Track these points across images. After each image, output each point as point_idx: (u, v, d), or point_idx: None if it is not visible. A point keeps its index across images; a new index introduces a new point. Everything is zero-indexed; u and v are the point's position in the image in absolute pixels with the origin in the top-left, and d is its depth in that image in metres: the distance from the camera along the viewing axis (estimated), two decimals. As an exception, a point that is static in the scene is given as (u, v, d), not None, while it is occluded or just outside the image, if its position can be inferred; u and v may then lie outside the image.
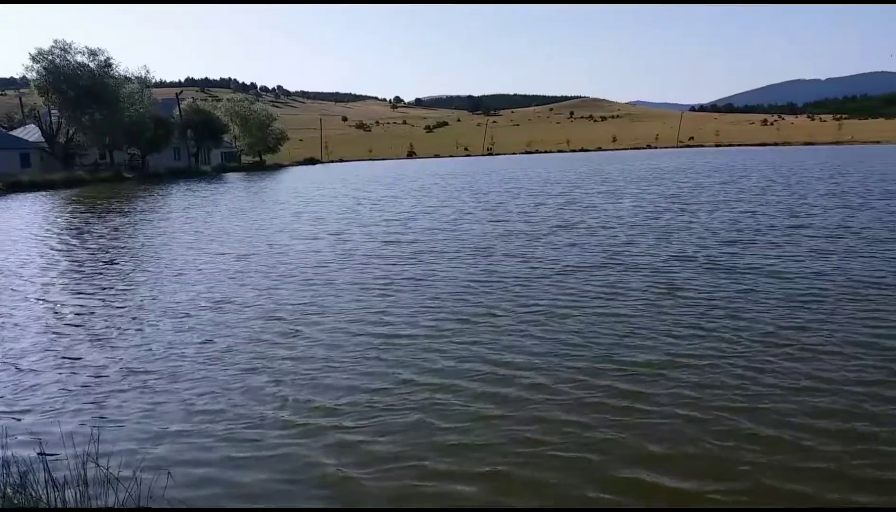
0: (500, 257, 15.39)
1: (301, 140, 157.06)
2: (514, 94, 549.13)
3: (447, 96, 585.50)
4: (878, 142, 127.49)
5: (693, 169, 52.85)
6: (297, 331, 9.81)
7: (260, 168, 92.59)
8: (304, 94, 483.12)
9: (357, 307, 11.14)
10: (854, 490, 5.08)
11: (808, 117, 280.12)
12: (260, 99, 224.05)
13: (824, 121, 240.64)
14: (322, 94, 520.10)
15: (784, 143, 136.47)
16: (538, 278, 12.90)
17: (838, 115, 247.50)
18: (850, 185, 31.87)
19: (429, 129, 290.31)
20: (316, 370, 8.07)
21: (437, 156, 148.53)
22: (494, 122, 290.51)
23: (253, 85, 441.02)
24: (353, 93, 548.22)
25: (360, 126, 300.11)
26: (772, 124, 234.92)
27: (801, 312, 9.81)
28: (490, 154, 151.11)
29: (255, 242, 19.55)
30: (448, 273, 13.74)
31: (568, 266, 13.98)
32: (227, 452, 6.03)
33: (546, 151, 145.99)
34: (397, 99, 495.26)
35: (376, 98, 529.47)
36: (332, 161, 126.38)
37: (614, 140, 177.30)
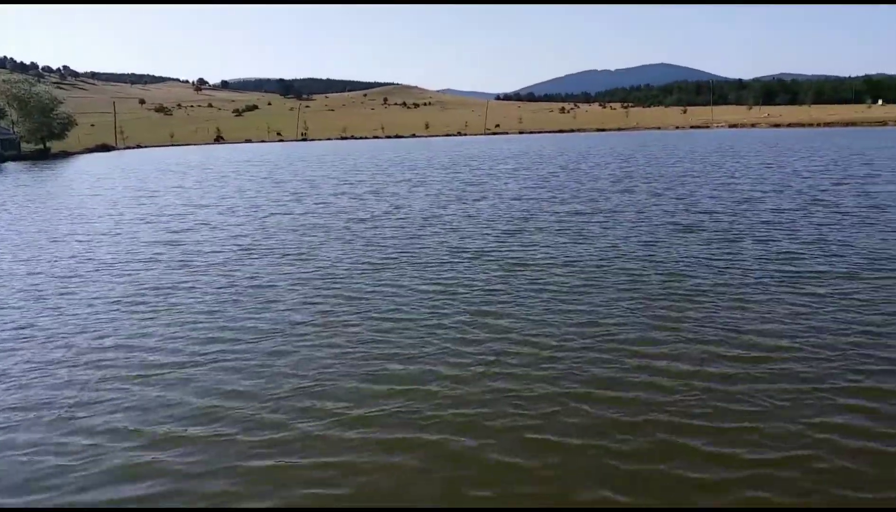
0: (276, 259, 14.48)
1: (93, 125, 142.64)
2: (328, 79, 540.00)
3: (256, 79, 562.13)
4: (658, 127, 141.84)
5: (493, 156, 54.93)
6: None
7: (44, 157, 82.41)
8: (94, 75, 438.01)
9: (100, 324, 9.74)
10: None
11: (601, 105, 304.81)
12: (42, 80, 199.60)
13: (614, 109, 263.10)
14: (116, 75, 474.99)
15: (580, 130, 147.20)
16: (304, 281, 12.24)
17: (626, 104, 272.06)
18: (631, 170, 34.64)
19: (238, 112, 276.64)
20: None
21: (248, 141, 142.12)
22: (308, 107, 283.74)
23: (34, 64, 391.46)
24: (151, 74, 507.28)
25: (161, 109, 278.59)
26: (569, 112, 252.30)
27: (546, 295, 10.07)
28: (304, 139, 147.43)
29: None
30: (193, 284, 12.61)
31: (358, 264, 13.45)
32: None
33: (362, 137, 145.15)
34: (202, 81, 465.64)
35: (178, 80, 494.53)
36: (129, 147, 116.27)
37: (427, 127, 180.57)
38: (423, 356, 8.14)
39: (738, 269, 11.97)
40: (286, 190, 30.07)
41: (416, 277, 12.11)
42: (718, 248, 13.78)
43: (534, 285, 11.25)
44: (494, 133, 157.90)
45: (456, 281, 11.78)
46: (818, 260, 12.47)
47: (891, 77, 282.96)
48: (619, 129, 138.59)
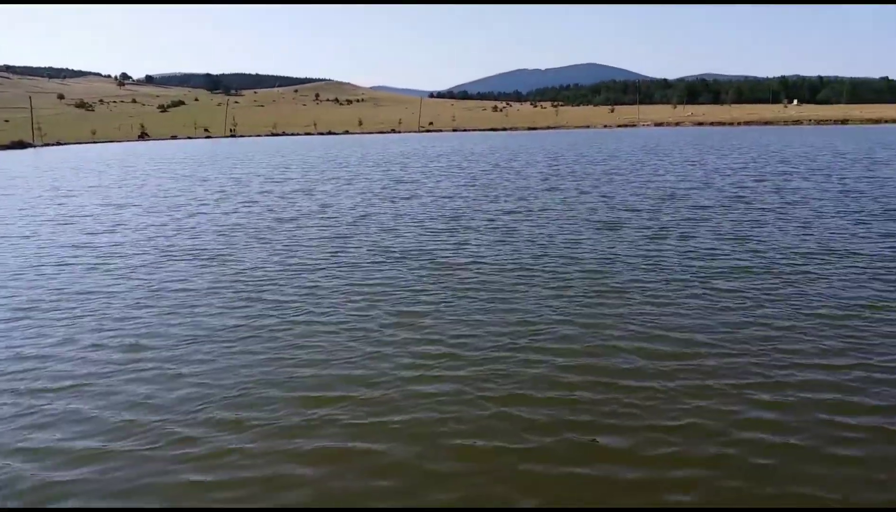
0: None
1: (7, 121, 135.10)
2: (257, 74, 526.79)
3: (182, 74, 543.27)
4: (587, 126, 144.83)
5: (426, 153, 54.87)
6: None
7: (-53, 154, 77.37)
8: (8, 69, 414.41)
9: (7, 334, 9.18)
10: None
11: (532, 104, 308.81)
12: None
13: (545, 107, 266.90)
14: (32, 68, 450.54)
15: (512, 128, 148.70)
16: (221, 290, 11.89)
17: (556, 103, 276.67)
18: (562, 169, 35.25)
19: (163, 108, 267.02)
20: None
21: (174, 137, 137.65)
22: (237, 102, 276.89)
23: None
24: (70, 68, 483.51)
25: (81, 105, 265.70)
26: (501, 110, 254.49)
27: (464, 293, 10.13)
28: (233, 136, 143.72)
29: None
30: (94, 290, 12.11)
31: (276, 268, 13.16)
32: None
33: (293, 134, 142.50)
34: (125, 75, 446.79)
35: (100, 74, 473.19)
36: (48, 144, 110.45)
37: (360, 124, 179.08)
38: (349, 362, 8.02)
39: (663, 266, 12.30)
40: (211, 188, 29.21)
41: (342, 279, 11.93)
42: (643, 246, 14.14)
43: (462, 285, 11.26)
44: (428, 130, 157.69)
45: (384, 282, 11.67)
46: (739, 256, 12.95)
47: (804, 78, 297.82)
48: (550, 128, 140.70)
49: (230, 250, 14.80)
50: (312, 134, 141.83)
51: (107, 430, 6.46)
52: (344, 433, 6.27)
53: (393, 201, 23.09)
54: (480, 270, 12.32)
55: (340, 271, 12.54)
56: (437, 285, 11.36)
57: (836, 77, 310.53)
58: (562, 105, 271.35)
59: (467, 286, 11.22)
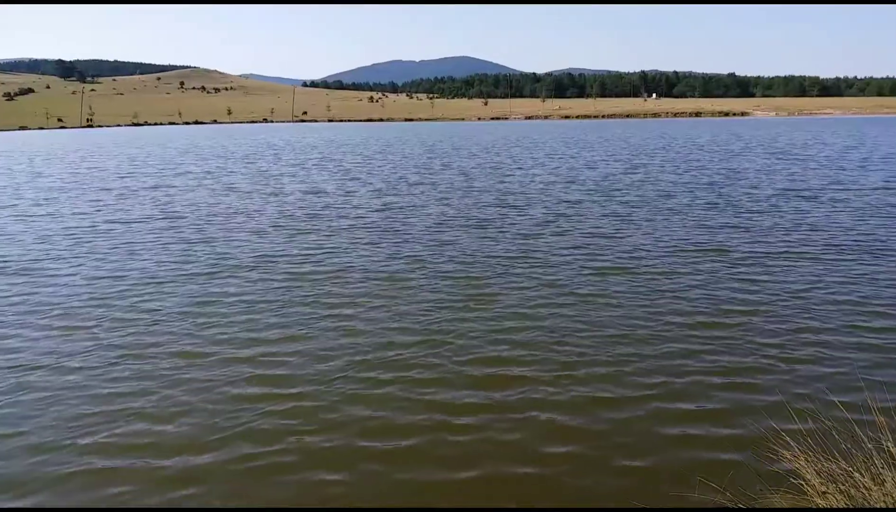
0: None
1: None
2: (116, 61, 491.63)
3: (31, 60, 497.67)
4: (462, 118, 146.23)
5: (299, 145, 52.54)
6: None
7: None
8: None
9: None
10: None
11: (408, 96, 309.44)
12: None
13: (420, 99, 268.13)
14: None
15: (389, 119, 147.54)
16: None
17: (431, 95, 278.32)
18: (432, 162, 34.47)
19: (9, 96, 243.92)
20: None
21: (23, 128, 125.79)
22: (93, 90, 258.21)
23: None
24: None
25: None
26: (377, 101, 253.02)
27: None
28: (90, 126, 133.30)
29: None
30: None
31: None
32: None
33: (156, 124, 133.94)
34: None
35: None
36: None
37: (229, 113, 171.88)
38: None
39: (534, 265, 11.54)
40: (42, 187, 25.94)
41: (174, 294, 10.13)
42: (511, 245, 13.36)
43: (311, 295, 9.89)
44: (303, 120, 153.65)
45: (224, 292, 10.07)
46: (607, 252, 12.42)
47: (662, 73, 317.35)
48: (427, 120, 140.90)
49: (49, 260, 12.59)
50: (177, 124, 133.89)
51: None
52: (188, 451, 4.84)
53: (252, 198, 21.18)
54: (339, 278, 11.01)
55: (172, 286, 10.75)
56: (288, 297, 9.93)
57: (690, 72, 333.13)
58: (437, 97, 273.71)
59: (314, 298, 9.89)
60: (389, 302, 9.56)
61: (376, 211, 18.21)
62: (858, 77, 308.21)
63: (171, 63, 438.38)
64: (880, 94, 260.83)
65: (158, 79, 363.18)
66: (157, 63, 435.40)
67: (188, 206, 19.81)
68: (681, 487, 4.80)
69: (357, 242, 13.93)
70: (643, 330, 8.18)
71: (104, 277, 11.23)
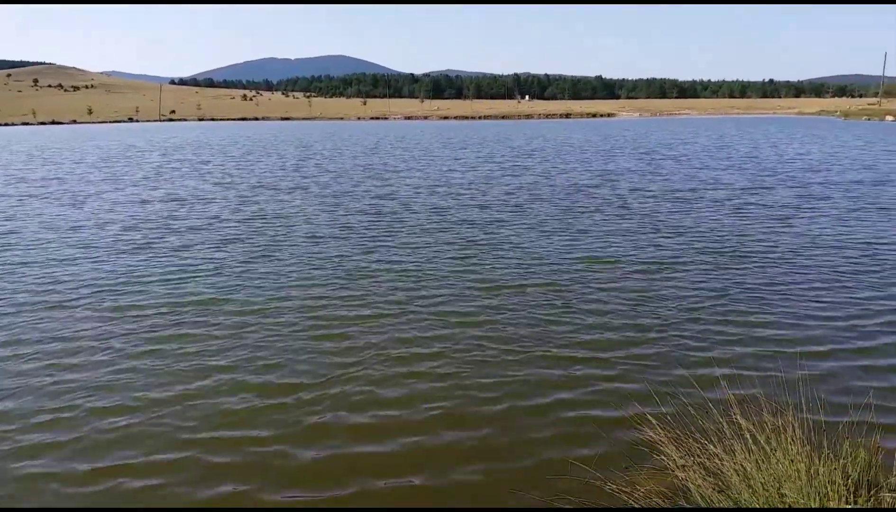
0: None
1: None
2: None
3: None
4: (341, 118, 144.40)
5: (166, 145, 49.94)
6: None
7: None
8: None
9: None
10: None
11: (283, 94, 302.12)
12: None
13: (297, 98, 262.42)
14: None
15: (264, 118, 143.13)
16: None
17: (308, 93, 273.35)
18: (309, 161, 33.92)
19: None
20: None
21: None
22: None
23: None
24: None
25: None
26: (251, 99, 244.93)
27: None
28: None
29: None
30: None
31: None
32: None
33: (7, 124, 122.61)
34: None
35: None
36: None
37: (90, 112, 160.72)
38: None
39: (424, 271, 11.69)
40: None
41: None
42: (386, 252, 13.41)
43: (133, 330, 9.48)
44: (171, 120, 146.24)
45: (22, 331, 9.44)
46: (486, 260, 12.62)
47: (534, 76, 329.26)
48: (304, 119, 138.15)
49: None
50: (31, 124, 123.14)
51: None
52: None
53: (102, 201, 19.92)
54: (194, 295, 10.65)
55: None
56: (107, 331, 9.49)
57: (560, 75, 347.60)
58: (315, 96, 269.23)
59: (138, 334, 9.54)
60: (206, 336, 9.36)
61: (243, 222, 17.68)
62: (713, 80, 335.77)
63: (24, 59, 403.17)
64: (731, 96, 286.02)
65: (9, 76, 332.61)
66: (8, 59, 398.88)
67: (32, 217, 18.32)
68: (555, 470, 5.10)
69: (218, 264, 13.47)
70: (510, 329, 8.53)
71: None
